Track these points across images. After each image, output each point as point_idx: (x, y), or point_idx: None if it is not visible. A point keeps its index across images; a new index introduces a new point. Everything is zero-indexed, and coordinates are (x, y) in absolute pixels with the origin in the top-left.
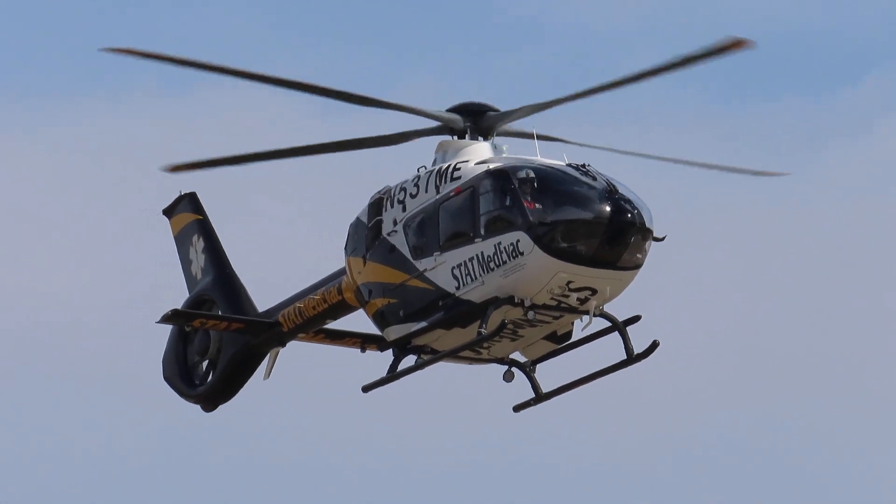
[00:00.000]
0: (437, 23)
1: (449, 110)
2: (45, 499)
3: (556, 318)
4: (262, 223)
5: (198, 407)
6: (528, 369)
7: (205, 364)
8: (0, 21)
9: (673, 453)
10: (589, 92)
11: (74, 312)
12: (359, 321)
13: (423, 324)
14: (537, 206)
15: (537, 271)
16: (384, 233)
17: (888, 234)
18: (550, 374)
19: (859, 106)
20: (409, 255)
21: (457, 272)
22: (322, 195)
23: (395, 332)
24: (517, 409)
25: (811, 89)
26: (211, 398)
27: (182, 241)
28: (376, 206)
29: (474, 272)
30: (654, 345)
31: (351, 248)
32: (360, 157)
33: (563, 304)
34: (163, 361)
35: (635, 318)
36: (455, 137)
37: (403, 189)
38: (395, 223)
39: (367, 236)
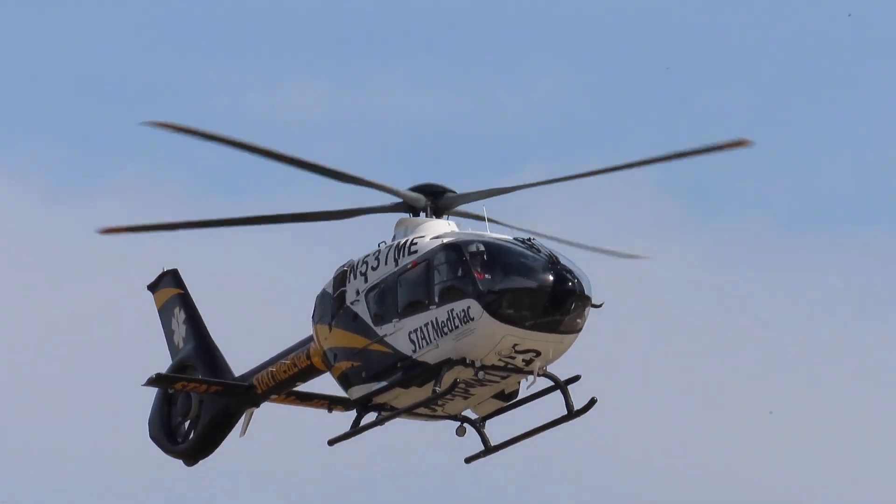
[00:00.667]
0: None
1: (411, 189)
2: None
3: (503, 377)
4: (235, 293)
5: (180, 462)
6: (478, 425)
7: (187, 423)
8: None
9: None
10: (556, 180)
11: (70, 375)
12: (326, 384)
13: (384, 384)
14: (486, 276)
15: (486, 335)
16: (348, 302)
17: None
18: (498, 428)
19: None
20: (370, 322)
21: (413, 336)
22: (288, 264)
23: (357, 391)
24: (468, 460)
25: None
26: (192, 454)
27: (165, 313)
28: (341, 279)
29: (429, 336)
30: (592, 401)
31: (318, 317)
32: (318, 228)
33: (509, 365)
34: (149, 422)
35: (575, 378)
36: (411, 215)
37: (365, 262)
38: (357, 293)
39: (332, 305)
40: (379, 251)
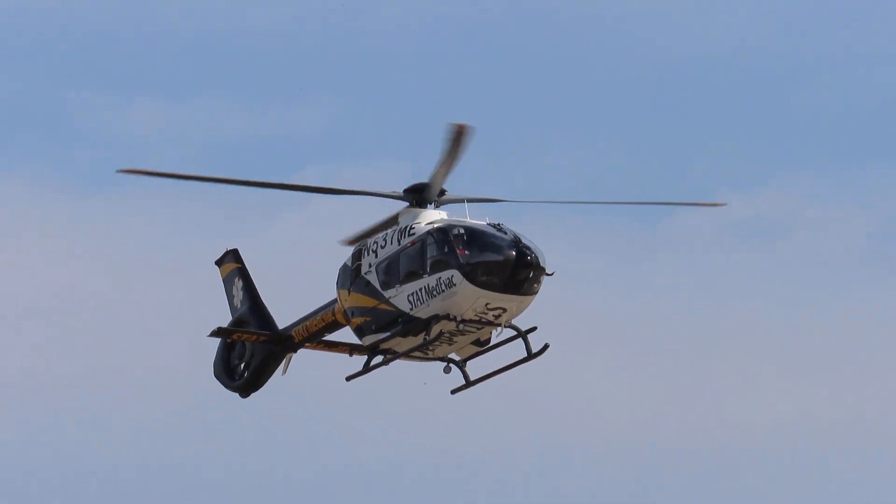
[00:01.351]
0: None
1: (406, 189)
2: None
3: (478, 328)
4: (282, 265)
5: (237, 395)
6: (460, 365)
7: (242, 365)
8: None
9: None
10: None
11: (154, 331)
12: (348, 335)
13: (388, 334)
14: (466, 252)
15: (466, 297)
16: (363, 272)
17: None
18: (477, 367)
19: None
20: (379, 287)
21: (411, 298)
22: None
23: (368, 339)
24: (454, 392)
25: None
26: (246, 388)
27: (228, 283)
28: (357, 255)
29: (423, 298)
30: (546, 346)
31: (340, 283)
32: (340, 212)
33: (483, 319)
34: (213, 364)
35: (532, 329)
36: (410, 205)
37: (376, 243)
38: (370, 266)
39: (351, 275)
40: (386, 234)
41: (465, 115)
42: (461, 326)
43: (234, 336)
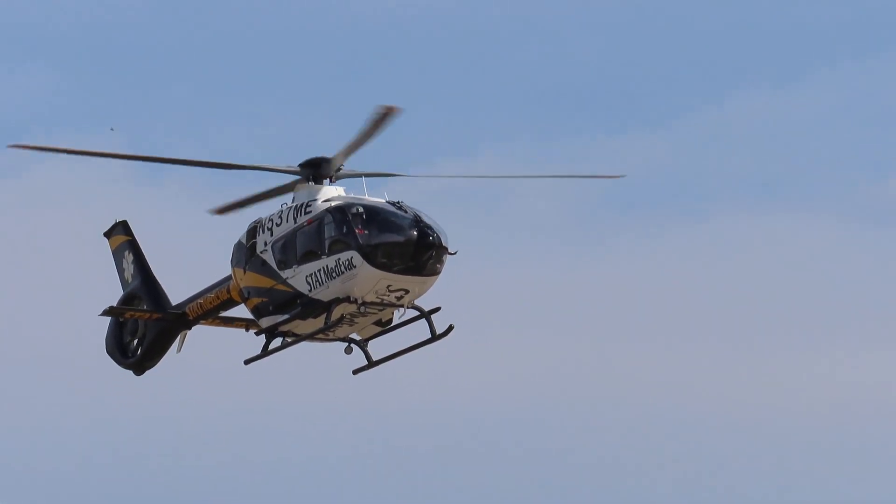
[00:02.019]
0: None
1: (301, 164)
2: None
3: (380, 310)
4: (174, 239)
5: (130, 372)
6: (362, 345)
7: (135, 342)
8: None
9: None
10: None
11: (42, 303)
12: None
13: (286, 316)
14: (365, 232)
15: (366, 279)
16: (258, 251)
17: None
18: (378, 347)
19: None
20: (275, 267)
21: (309, 279)
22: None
23: (266, 321)
24: (355, 372)
25: None
26: (139, 366)
27: (118, 256)
28: (252, 232)
29: (322, 279)
30: (450, 328)
31: (235, 261)
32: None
33: (385, 301)
34: (105, 340)
35: (436, 309)
36: (304, 180)
37: (271, 220)
38: (265, 244)
39: (245, 253)
40: (282, 211)
41: None
42: (363, 308)
43: (127, 315)
